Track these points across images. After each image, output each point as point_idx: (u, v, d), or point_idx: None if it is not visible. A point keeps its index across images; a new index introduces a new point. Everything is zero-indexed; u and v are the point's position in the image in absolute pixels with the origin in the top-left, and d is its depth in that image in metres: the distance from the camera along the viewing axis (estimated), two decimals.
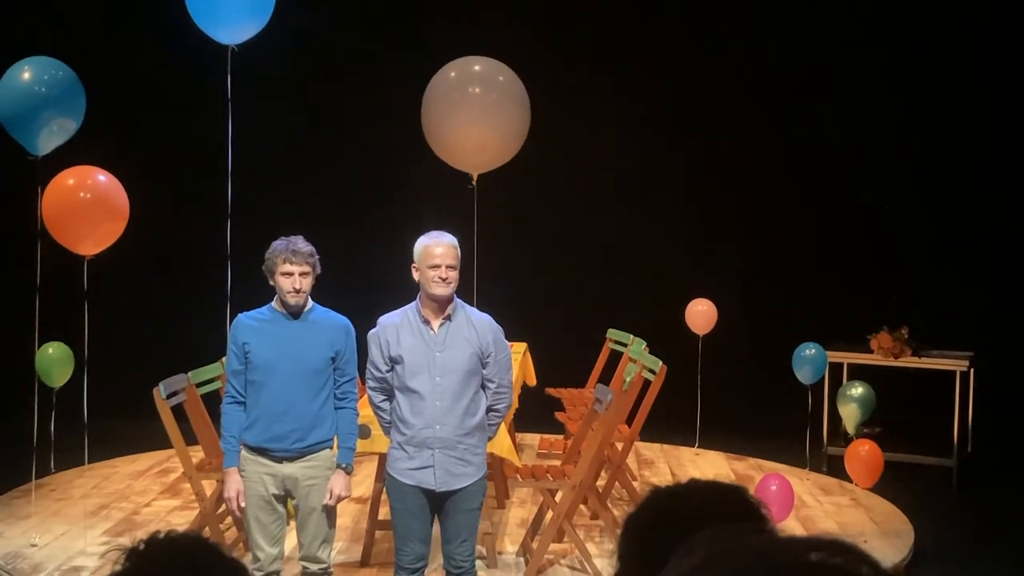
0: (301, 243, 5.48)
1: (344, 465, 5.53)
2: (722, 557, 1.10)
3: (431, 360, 5.33)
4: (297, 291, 5.43)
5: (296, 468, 5.50)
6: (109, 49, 10.75)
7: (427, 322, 5.37)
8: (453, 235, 5.50)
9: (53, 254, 7.16)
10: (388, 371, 5.40)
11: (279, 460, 5.49)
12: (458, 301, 5.46)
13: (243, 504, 5.52)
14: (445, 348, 5.33)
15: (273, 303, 5.55)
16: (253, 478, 5.51)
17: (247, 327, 5.56)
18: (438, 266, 5.31)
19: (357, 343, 5.64)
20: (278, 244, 5.50)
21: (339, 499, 5.52)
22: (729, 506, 1.67)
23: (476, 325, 5.40)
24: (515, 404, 7.20)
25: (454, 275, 5.34)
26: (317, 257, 5.51)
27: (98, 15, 11.08)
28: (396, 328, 5.38)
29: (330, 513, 5.58)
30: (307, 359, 5.47)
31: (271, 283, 5.51)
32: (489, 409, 5.48)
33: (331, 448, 5.57)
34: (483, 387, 5.46)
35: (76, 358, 7.83)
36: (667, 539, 1.42)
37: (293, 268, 5.41)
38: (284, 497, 5.59)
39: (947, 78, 10.52)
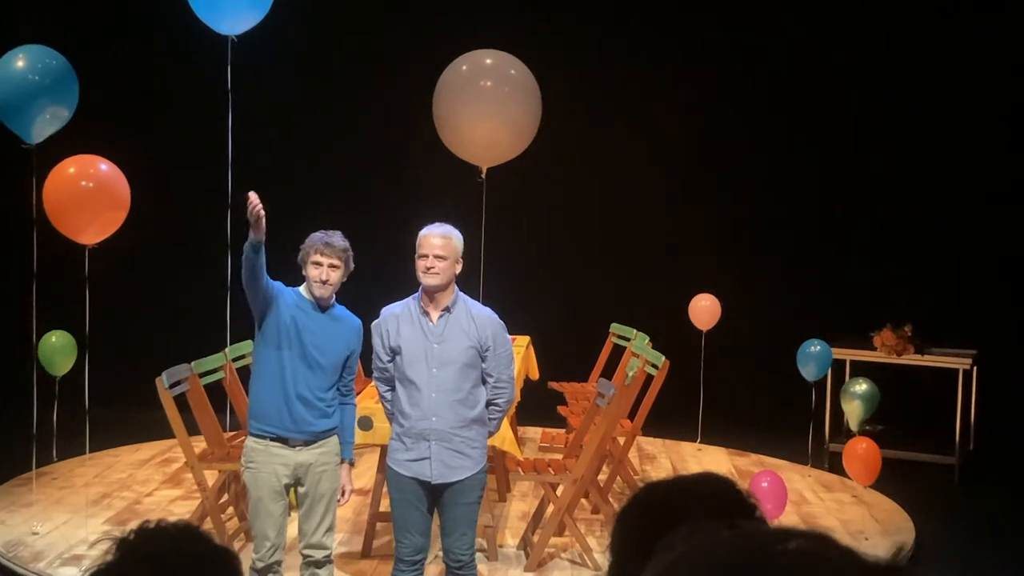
0: (336, 237, 5.54)
1: (351, 460, 5.68)
2: (696, 552, 1.11)
3: (428, 351, 5.34)
4: (324, 282, 5.47)
5: (311, 454, 5.55)
6: (109, 38, 10.75)
7: (426, 313, 5.38)
8: (457, 227, 5.49)
9: (53, 242, 7.16)
10: (389, 361, 5.43)
11: (294, 447, 5.53)
12: (460, 294, 5.46)
13: None
14: (443, 340, 5.34)
15: (302, 290, 5.59)
16: (265, 470, 5.53)
17: (292, 302, 5.54)
18: (425, 256, 5.33)
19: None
20: (315, 235, 5.55)
21: (351, 493, 5.70)
22: (719, 499, 1.68)
23: (476, 318, 5.40)
24: (517, 398, 7.20)
25: (441, 265, 5.31)
26: (351, 254, 5.54)
27: (98, 4, 11.07)
28: (396, 318, 5.41)
29: (334, 500, 5.66)
30: (333, 354, 5.56)
31: (303, 273, 5.55)
32: (489, 403, 5.49)
33: (335, 436, 5.65)
34: (483, 381, 5.48)
35: (79, 346, 7.84)
36: (658, 533, 1.43)
37: (323, 259, 5.46)
38: (292, 486, 5.63)
39: (953, 76, 10.49)
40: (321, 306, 5.54)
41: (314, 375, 5.52)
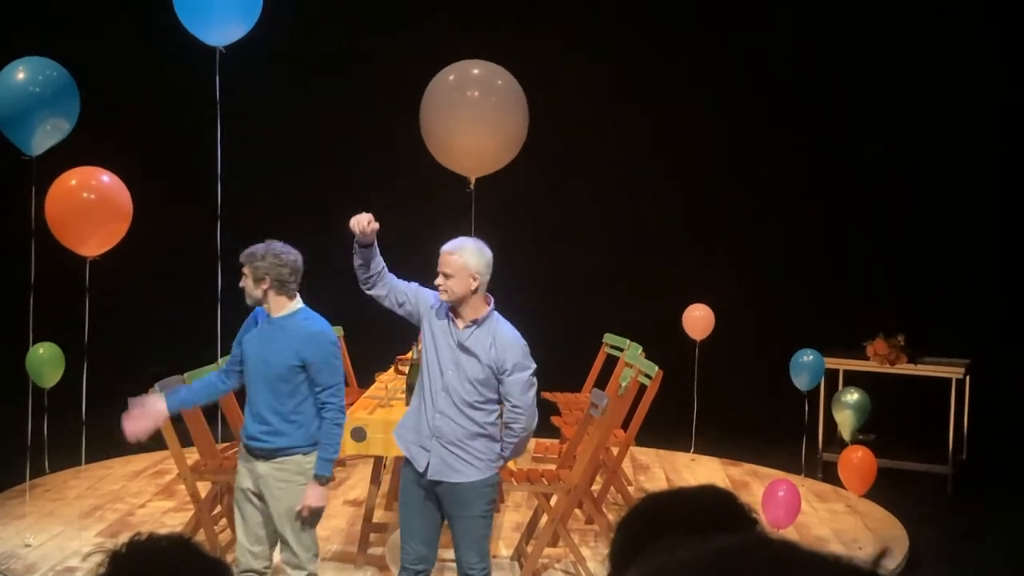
0: (256, 245, 5.56)
1: (319, 476, 5.47)
2: (674, 565, 1.11)
3: (450, 354, 5.33)
4: (242, 289, 5.54)
5: (268, 468, 5.50)
6: (96, 51, 10.71)
7: (452, 317, 5.37)
8: (447, 238, 5.47)
9: (47, 254, 7.16)
10: (408, 295, 5.40)
11: (256, 457, 5.53)
12: (494, 314, 5.39)
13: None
14: (463, 349, 5.31)
15: None
16: (241, 471, 5.60)
17: (250, 319, 5.67)
18: (438, 273, 5.34)
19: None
20: None
21: (310, 511, 5.47)
22: (719, 511, 1.68)
23: (498, 340, 5.32)
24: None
25: (448, 284, 5.28)
26: (259, 259, 5.49)
27: (85, 17, 11.07)
28: (432, 306, 5.39)
29: (306, 520, 5.52)
30: (271, 364, 5.47)
31: None
32: (505, 426, 5.40)
33: (304, 455, 5.50)
34: (500, 402, 5.39)
35: (68, 358, 7.83)
36: (654, 542, 1.43)
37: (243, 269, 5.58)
38: (259, 496, 5.59)
39: (946, 87, 10.51)
40: (271, 315, 5.55)
41: (264, 389, 5.48)
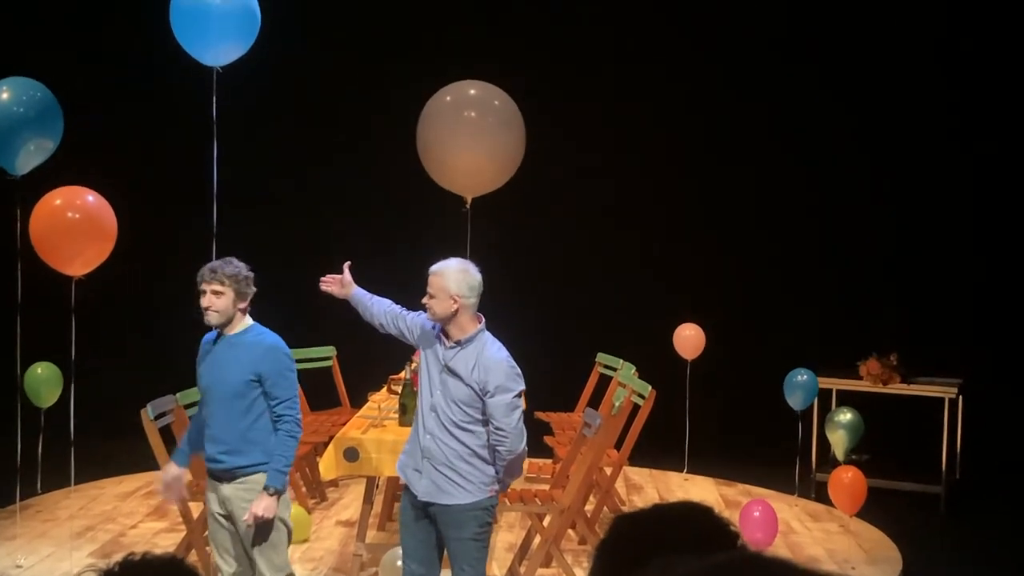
0: (218, 262, 5.54)
1: (268, 487, 5.40)
2: None
3: (435, 374, 5.35)
4: (207, 309, 5.46)
5: (231, 489, 5.49)
6: (93, 71, 10.74)
7: (441, 338, 5.38)
8: (443, 258, 5.49)
9: (37, 274, 7.15)
10: (400, 325, 5.53)
11: (219, 480, 5.53)
12: (483, 335, 5.39)
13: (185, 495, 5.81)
14: (447, 369, 5.32)
15: None
16: (208, 496, 5.61)
17: (202, 348, 5.66)
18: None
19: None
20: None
21: (256, 519, 5.38)
22: (698, 528, 1.68)
23: (481, 361, 5.30)
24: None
25: (430, 303, 5.33)
26: (242, 277, 5.48)
27: (82, 36, 11.07)
28: (428, 329, 5.45)
29: (267, 539, 5.48)
30: (228, 381, 5.45)
31: None
32: (492, 449, 5.39)
33: (265, 472, 5.44)
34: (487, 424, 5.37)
35: (64, 378, 7.82)
36: (637, 564, 1.44)
37: (206, 287, 5.46)
38: (226, 517, 5.56)
39: (943, 103, 10.54)
40: (219, 333, 5.54)
41: (219, 408, 5.47)
